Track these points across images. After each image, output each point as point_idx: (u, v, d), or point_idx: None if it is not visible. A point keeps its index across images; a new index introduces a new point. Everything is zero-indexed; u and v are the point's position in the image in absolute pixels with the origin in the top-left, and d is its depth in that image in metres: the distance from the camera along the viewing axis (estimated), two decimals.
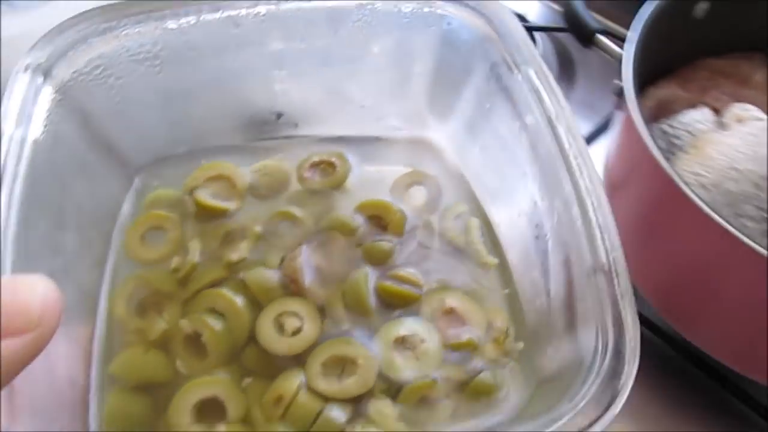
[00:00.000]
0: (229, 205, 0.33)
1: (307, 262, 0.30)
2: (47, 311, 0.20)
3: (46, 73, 0.29)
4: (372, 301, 0.29)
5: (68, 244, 0.29)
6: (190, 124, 0.35)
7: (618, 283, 0.23)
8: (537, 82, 0.28)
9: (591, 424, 0.20)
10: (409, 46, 0.34)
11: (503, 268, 0.32)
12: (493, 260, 0.31)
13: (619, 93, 0.39)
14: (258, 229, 0.32)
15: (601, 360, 0.22)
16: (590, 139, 0.52)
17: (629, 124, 0.35)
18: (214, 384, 0.27)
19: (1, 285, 0.19)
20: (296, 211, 0.32)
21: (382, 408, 0.27)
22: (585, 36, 0.46)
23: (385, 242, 0.31)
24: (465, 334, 0.28)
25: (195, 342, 0.28)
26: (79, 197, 0.30)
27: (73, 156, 0.30)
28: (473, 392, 0.27)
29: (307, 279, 0.29)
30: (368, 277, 0.30)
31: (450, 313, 0.29)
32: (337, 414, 0.27)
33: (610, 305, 0.23)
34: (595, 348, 0.22)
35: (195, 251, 0.31)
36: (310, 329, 0.28)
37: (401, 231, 0.32)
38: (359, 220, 0.32)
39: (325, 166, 0.34)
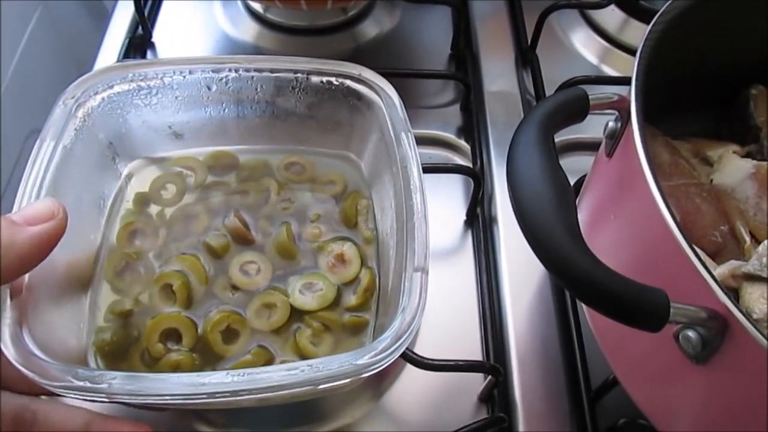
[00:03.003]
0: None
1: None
2: (60, 208, 0.33)
3: (78, 104, 0.43)
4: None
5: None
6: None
7: (423, 279, 0.37)
8: (403, 141, 0.43)
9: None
10: (333, 107, 0.48)
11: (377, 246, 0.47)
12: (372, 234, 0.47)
13: (612, 135, 0.35)
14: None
15: (402, 320, 0.36)
16: None
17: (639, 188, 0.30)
18: (176, 319, 0.42)
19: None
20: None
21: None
22: None
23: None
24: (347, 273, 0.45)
25: (166, 293, 0.43)
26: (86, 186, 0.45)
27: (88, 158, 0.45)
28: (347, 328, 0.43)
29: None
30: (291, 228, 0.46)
31: (340, 257, 0.46)
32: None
33: (419, 291, 0.37)
34: (402, 311, 0.36)
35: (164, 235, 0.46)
36: (265, 269, 0.45)
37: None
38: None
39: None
